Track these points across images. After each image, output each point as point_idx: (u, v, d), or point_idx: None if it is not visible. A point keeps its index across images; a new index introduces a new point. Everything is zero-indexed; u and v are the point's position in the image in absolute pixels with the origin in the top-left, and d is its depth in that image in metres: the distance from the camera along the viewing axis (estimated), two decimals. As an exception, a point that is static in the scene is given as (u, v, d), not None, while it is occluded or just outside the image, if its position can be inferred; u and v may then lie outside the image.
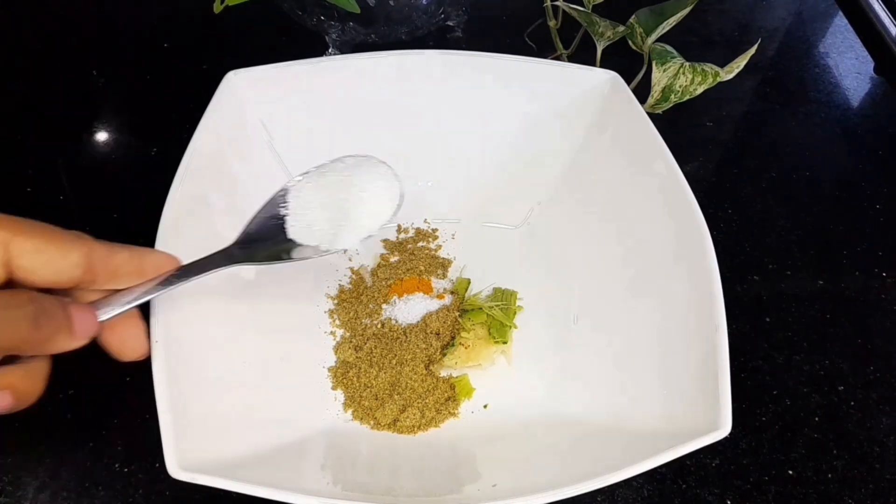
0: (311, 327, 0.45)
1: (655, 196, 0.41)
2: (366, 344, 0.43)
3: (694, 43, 0.66)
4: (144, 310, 0.33)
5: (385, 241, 0.49)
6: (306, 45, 0.61)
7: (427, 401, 0.41)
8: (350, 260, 0.48)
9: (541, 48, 0.62)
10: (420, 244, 0.49)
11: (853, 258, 0.51)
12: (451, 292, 0.46)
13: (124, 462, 0.40)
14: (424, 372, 0.42)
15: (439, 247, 0.49)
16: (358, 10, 0.50)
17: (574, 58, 0.59)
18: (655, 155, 0.41)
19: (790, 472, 0.41)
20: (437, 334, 0.43)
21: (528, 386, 0.42)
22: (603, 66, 0.48)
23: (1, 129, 0.57)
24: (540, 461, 0.38)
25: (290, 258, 0.35)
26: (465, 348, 0.43)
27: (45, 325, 0.26)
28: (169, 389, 0.31)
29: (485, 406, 0.42)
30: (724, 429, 0.31)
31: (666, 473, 0.41)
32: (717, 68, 0.51)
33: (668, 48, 0.52)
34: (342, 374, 0.42)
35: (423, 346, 0.43)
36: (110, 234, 0.49)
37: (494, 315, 0.44)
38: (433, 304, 0.45)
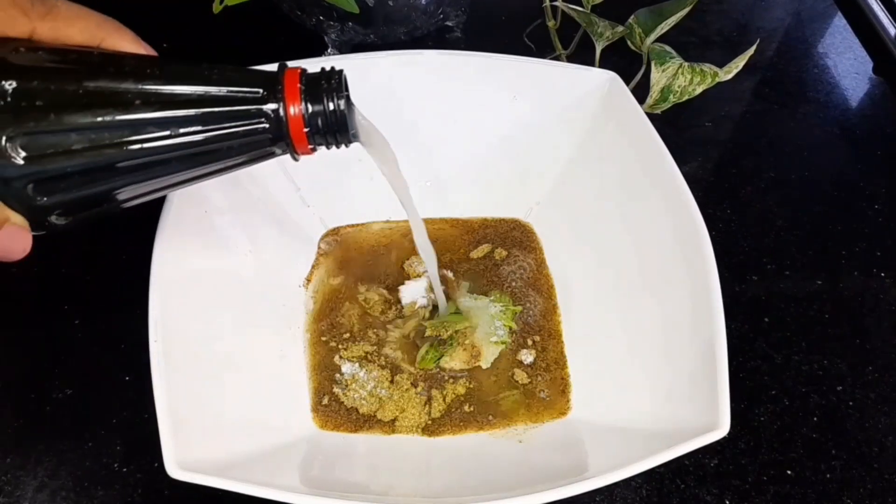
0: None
1: (654, 196, 0.41)
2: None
3: (693, 43, 0.66)
4: (143, 309, 0.33)
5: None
6: (306, 45, 0.61)
7: (427, 400, 0.41)
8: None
9: (540, 48, 0.62)
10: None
11: (852, 258, 0.51)
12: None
13: (123, 462, 0.40)
14: (424, 372, 0.42)
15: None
16: (357, 11, 0.50)
17: (573, 58, 0.59)
18: (654, 155, 0.41)
19: (789, 471, 0.41)
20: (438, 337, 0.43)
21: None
22: (602, 66, 0.48)
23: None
24: (538, 461, 0.38)
25: None
26: (465, 348, 0.43)
27: None
28: (168, 390, 0.31)
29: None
30: (723, 428, 0.31)
31: (664, 473, 0.41)
32: (715, 68, 0.51)
33: (667, 48, 0.53)
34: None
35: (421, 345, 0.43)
36: (111, 233, 0.49)
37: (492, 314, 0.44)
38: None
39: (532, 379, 0.42)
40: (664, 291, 0.39)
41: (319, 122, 0.28)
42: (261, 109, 0.27)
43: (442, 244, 0.49)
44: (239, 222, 0.43)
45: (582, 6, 0.55)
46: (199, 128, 0.26)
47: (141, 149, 0.26)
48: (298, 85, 0.28)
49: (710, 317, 0.34)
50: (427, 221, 0.50)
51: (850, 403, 0.44)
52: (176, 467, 0.29)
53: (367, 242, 0.49)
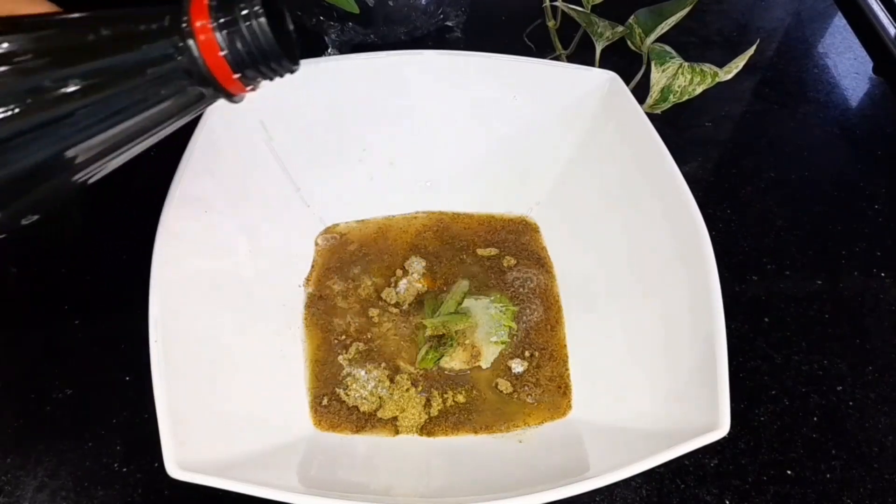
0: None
1: (654, 196, 0.41)
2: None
3: (693, 43, 0.66)
4: (143, 309, 0.33)
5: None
6: (306, 45, 0.61)
7: (427, 400, 0.41)
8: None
9: (540, 48, 0.62)
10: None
11: (852, 258, 0.51)
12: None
13: (123, 462, 0.40)
14: (424, 372, 0.42)
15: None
16: (357, 11, 0.50)
17: (573, 58, 0.59)
18: (654, 155, 0.41)
19: (789, 472, 0.41)
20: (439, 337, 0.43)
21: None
22: (602, 66, 0.48)
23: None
24: (538, 461, 0.38)
25: None
26: (465, 348, 0.43)
27: None
28: (168, 390, 0.31)
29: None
30: (723, 428, 0.31)
31: (664, 473, 0.41)
32: (715, 68, 0.51)
33: (667, 48, 0.52)
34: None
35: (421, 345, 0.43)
36: (111, 234, 0.49)
37: (492, 315, 0.44)
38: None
39: (516, 390, 0.42)
40: (664, 291, 0.39)
41: (239, 45, 0.23)
42: (165, 42, 0.23)
43: (451, 236, 0.49)
44: (239, 222, 0.43)
45: (582, 6, 0.55)
46: (100, 75, 0.23)
47: (42, 112, 0.22)
48: (206, 3, 0.23)
49: (710, 317, 0.34)
50: (437, 213, 0.50)
51: (850, 403, 0.44)
52: (176, 467, 0.29)
53: (367, 240, 0.49)
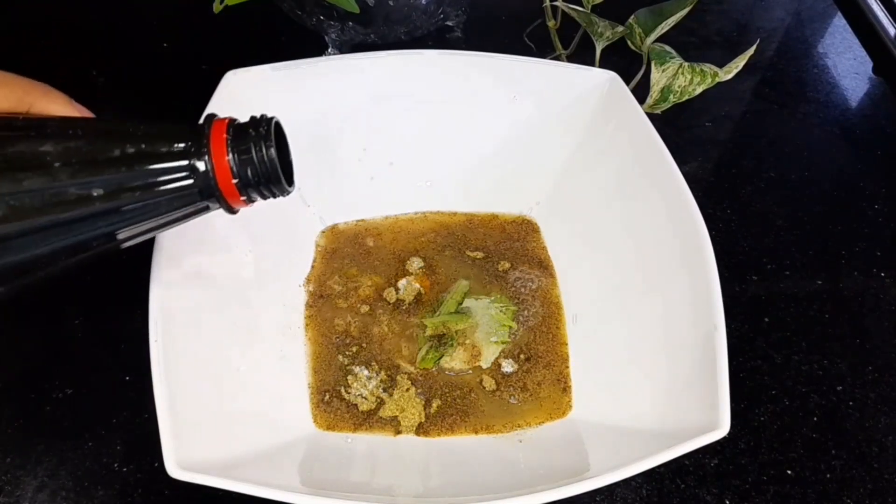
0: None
1: (654, 196, 0.41)
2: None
3: (693, 43, 0.66)
4: (144, 309, 0.33)
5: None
6: (306, 45, 0.61)
7: (426, 400, 0.41)
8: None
9: (540, 48, 0.62)
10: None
11: (852, 258, 0.51)
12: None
13: (123, 462, 0.40)
14: (424, 372, 0.42)
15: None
16: (357, 10, 0.50)
17: (573, 58, 0.59)
18: (654, 155, 0.41)
19: (789, 471, 0.41)
20: (439, 336, 0.43)
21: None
22: (602, 66, 0.48)
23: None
24: (538, 461, 0.38)
25: None
26: (465, 348, 0.43)
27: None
28: (168, 389, 0.31)
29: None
30: (723, 428, 0.31)
31: (665, 473, 0.41)
32: (715, 68, 0.51)
33: (667, 48, 0.53)
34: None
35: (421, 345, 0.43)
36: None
37: (491, 315, 0.44)
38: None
39: (500, 389, 0.42)
40: (664, 291, 0.39)
41: (249, 172, 0.27)
42: (185, 164, 0.26)
43: (451, 235, 0.49)
44: (239, 222, 0.43)
45: (582, 6, 0.55)
46: (122, 187, 0.25)
47: (63, 213, 0.25)
48: (224, 136, 0.27)
49: (710, 317, 0.34)
50: (437, 213, 0.50)
51: (850, 403, 0.44)
52: (176, 467, 0.29)
53: (367, 239, 0.49)
